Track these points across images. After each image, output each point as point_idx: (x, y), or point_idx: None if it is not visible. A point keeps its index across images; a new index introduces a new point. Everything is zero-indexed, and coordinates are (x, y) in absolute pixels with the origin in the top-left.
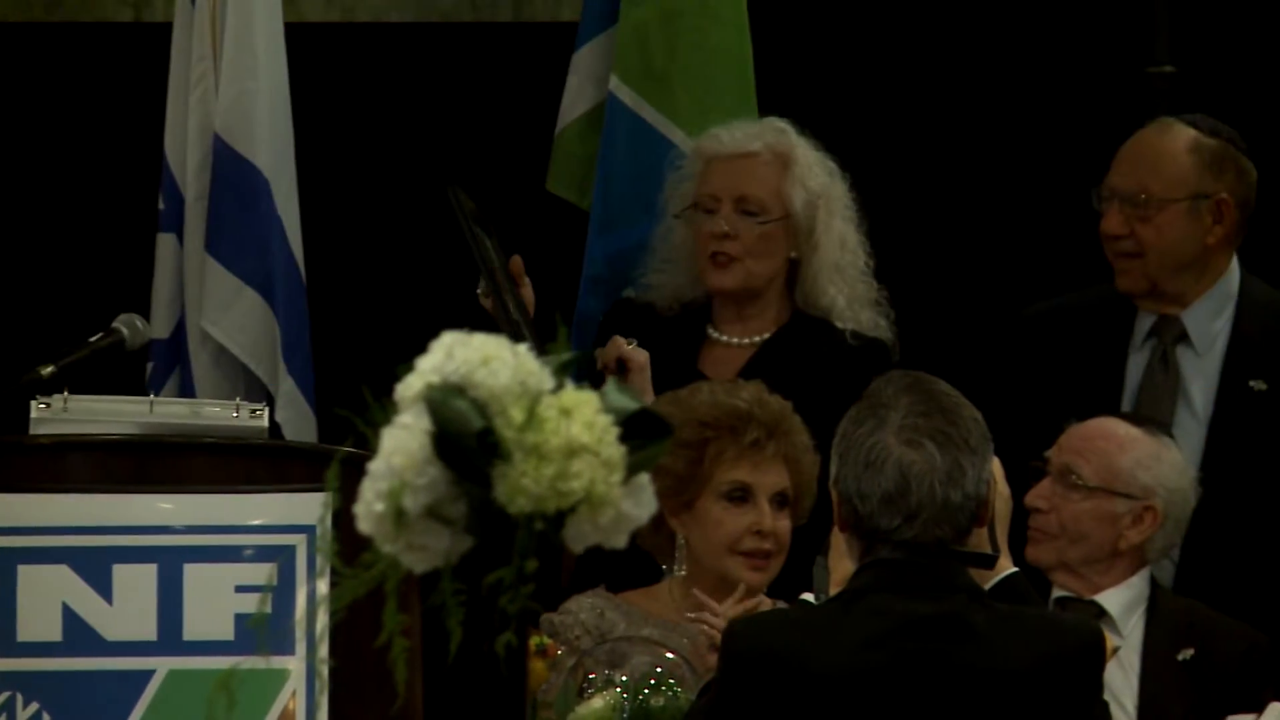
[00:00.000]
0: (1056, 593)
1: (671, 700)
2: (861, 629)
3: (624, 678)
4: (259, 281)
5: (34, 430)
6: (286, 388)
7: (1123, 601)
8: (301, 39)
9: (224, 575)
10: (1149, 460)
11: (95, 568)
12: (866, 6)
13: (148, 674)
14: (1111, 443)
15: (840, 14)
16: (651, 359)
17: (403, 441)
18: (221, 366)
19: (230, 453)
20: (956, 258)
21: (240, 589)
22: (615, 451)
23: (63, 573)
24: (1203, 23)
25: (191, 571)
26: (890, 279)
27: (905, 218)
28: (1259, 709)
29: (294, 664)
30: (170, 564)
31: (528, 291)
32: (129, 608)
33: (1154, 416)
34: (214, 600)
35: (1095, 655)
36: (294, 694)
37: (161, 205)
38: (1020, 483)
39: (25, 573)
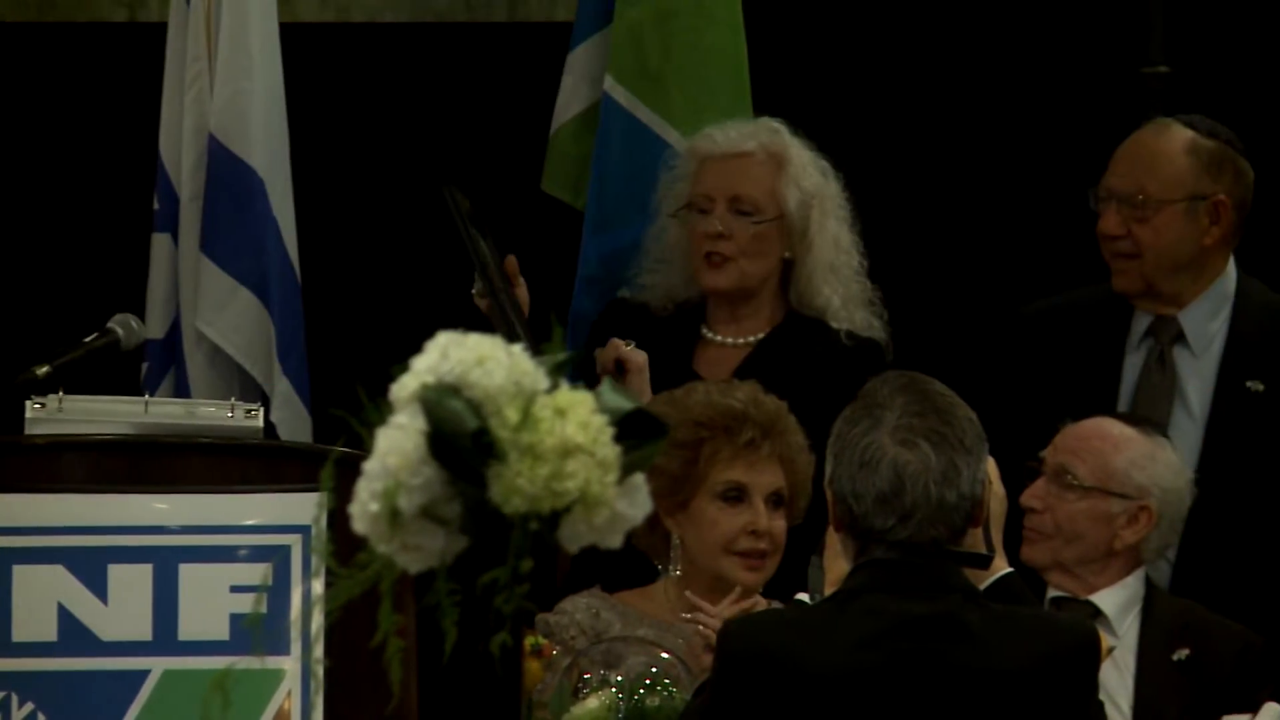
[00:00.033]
0: (1051, 593)
1: (667, 700)
2: (856, 629)
3: (619, 678)
4: (254, 281)
5: (29, 430)
6: (281, 388)
7: (1118, 601)
8: (296, 39)
9: (219, 575)
10: (1144, 460)
11: (90, 568)
12: (861, 6)
13: (143, 674)
14: (1107, 443)
15: (835, 14)
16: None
17: (398, 441)
18: (216, 366)
19: (225, 453)
20: (951, 257)
21: (235, 589)
22: (610, 451)
23: (58, 573)
24: (1197, 23)
25: (187, 571)
26: (885, 279)
27: (901, 218)
28: (1254, 709)
29: (289, 664)
30: (165, 564)
31: (522, 291)
32: (124, 608)
33: (1150, 417)
34: (209, 600)
35: (1090, 655)
36: (289, 694)
37: (156, 205)
38: (1015, 483)
39: (20, 573)
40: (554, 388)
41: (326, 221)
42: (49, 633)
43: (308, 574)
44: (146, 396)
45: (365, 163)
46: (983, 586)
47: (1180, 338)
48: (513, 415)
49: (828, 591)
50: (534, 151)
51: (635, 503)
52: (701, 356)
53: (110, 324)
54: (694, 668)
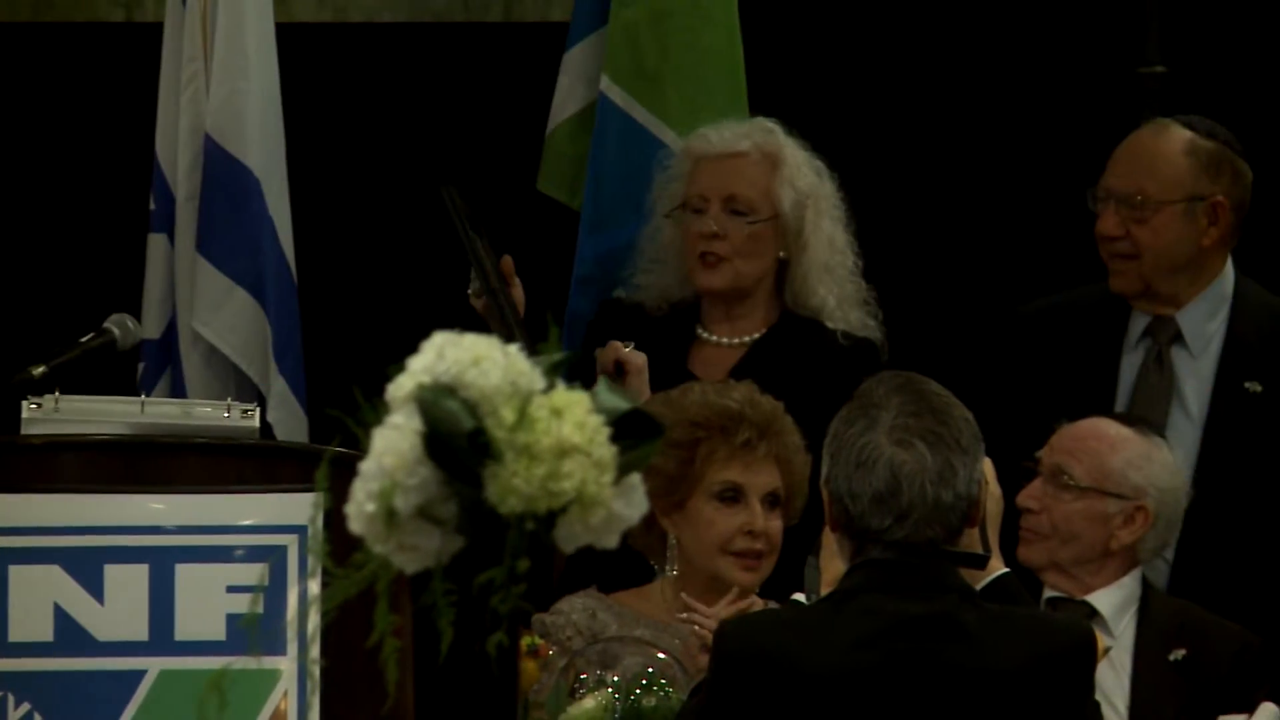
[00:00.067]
0: (1048, 593)
1: (663, 701)
2: (853, 629)
3: (615, 678)
4: (250, 282)
5: (25, 430)
6: (278, 388)
7: (1114, 602)
8: (293, 39)
9: (215, 575)
10: (1140, 460)
11: (87, 568)
12: (858, 7)
13: (139, 674)
14: (1103, 443)
15: (831, 14)
16: None
17: (394, 442)
18: (213, 367)
19: (221, 453)
20: (948, 257)
21: (232, 589)
22: (606, 452)
23: (54, 573)
24: (1194, 23)
25: (183, 571)
26: (882, 279)
27: (898, 217)
28: (1250, 709)
29: (285, 664)
30: (162, 564)
31: (518, 292)
32: (120, 608)
33: (1147, 417)
34: (205, 600)
35: (1086, 655)
36: (285, 694)
37: (152, 205)
38: (1012, 483)
39: (16, 573)
40: (550, 388)
41: (322, 222)
42: (45, 633)
43: (304, 574)
44: (143, 397)
45: (361, 163)
46: (979, 587)
47: (1178, 338)
48: (509, 415)
49: (824, 592)
50: (530, 151)
51: (631, 503)
52: (697, 356)
53: (106, 324)
54: (690, 668)
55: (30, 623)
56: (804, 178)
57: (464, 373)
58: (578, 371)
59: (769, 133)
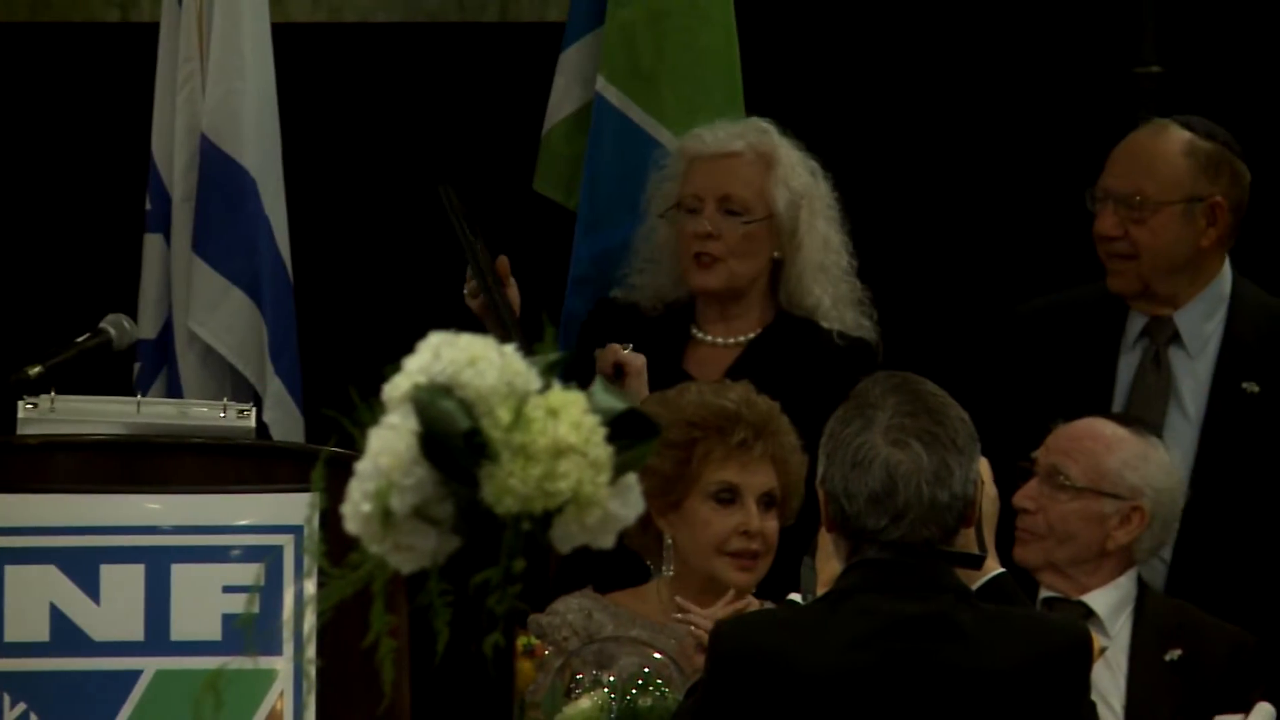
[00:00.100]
0: (1044, 593)
1: (659, 701)
2: (849, 629)
3: (611, 678)
4: (246, 282)
5: (21, 430)
6: (274, 388)
7: (1110, 602)
8: (288, 39)
9: (211, 575)
10: (1136, 461)
11: (83, 568)
12: (854, 6)
13: (135, 674)
14: (1099, 443)
15: (828, 14)
16: None
17: (390, 442)
18: (209, 367)
19: (217, 453)
20: (944, 257)
21: (228, 589)
22: (602, 452)
23: (50, 573)
24: (1190, 23)
25: (179, 572)
26: (879, 279)
27: (895, 217)
28: (1246, 709)
29: (281, 664)
30: (158, 564)
31: (513, 292)
32: (116, 608)
33: (1143, 417)
34: (201, 600)
35: (1082, 655)
36: (281, 694)
37: (148, 205)
38: (1008, 483)
39: (12, 573)
40: (546, 388)
41: (318, 221)
42: (41, 633)
43: (300, 574)
44: (139, 397)
45: (357, 163)
46: (975, 587)
47: (1176, 338)
48: (505, 415)
49: (820, 592)
50: (526, 152)
51: (627, 503)
52: (692, 357)
53: (102, 324)
54: (686, 668)
55: (26, 623)
56: (798, 178)
57: (460, 373)
58: (573, 371)
59: (763, 133)
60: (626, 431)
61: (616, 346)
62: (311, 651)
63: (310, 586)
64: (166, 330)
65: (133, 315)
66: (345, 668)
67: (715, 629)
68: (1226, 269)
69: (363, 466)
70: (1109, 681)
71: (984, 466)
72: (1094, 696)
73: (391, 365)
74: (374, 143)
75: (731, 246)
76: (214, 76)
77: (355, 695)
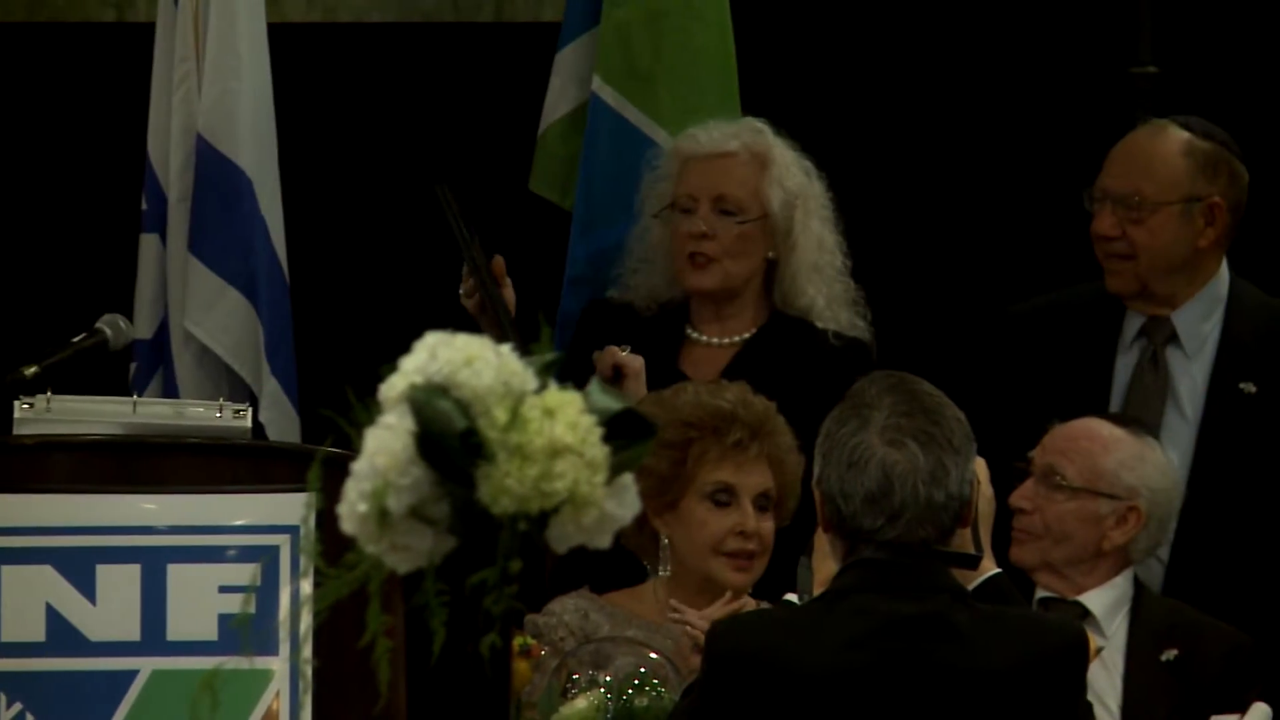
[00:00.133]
0: (1040, 593)
1: (655, 701)
2: (845, 629)
3: (608, 678)
4: (242, 282)
5: (17, 430)
6: (270, 388)
7: (1106, 602)
8: (284, 39)
9: (207, 575)
10: (1133, 461)
11: (79, 568)
12: (850, 7)
13: (131, 674)
14: (1095, 443)
15: (824, 14)
16: None
17: (386, 442)
18: (205, 367)
19: (214, 453)
20: (940, 257)
21: (224, 589)
22: (599, 452)
23: (46, 573)
24: (1186, 23)
25: (175, 572)
26: (875, 279)
27: (891, 217)
28: (1242, 710)
29: (277, 664)
30: (154, 564)
31: (509, 292)
32: (112, 608)
33: (1140, 418)
34: (197, 600)
35: (1078, 655)
36: (277, 694)
37: (144, 205)
38: (1004, 483)
39: (8, 573)
40: (542, 388)
41: (314, 221)
42: (37, 633)
43: (296, 574)
44: (135, 397)
45: (353, 163)
46: (971, 587)
47: (1173, 338)
48: (501, 415)
49: (816, 592)
50: (522, 152)
51: (624, 503)
52: (688, 357)
53: (98, 324)
54: (682, 668)
55: (22, 623)
56: (793, 178)
57: (456, 373)
58: (567, 372)
59: (758, 133)
60: (623, 431)
61: (615, 349)
62: (308, 652)
63: (306, 586)
64: (162, 330)
65: (129, 315)
66: (341, 668)
67: (711, 629)
68: (1224, 269)
69: (359, 466)
70: (1105, 682)
71: (980, 466)
72: (1090, 697)
73: (388, 365)
74: (370, 143)
75: (726, 246)
76: (210, 76)
77: (351, 695)
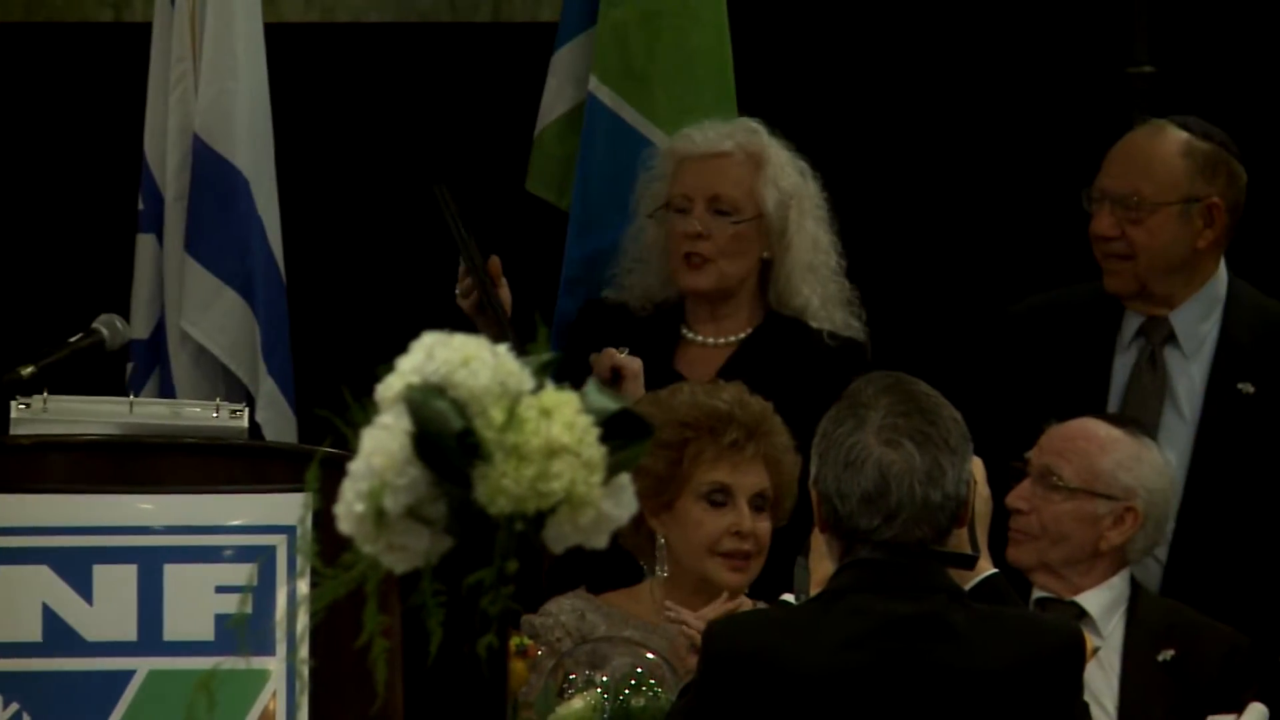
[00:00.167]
0: (1037, 593)
1: (652, 701)
2: (842, 629)
3: (604, 678)
4: (239, 282)
5: (13, 430)
6: (267, 388)
7: (1103, 602)
8: (281, 39)
9: (204, 575)
10: (1130, 461)
11: (75, 568)
12: (847, 7)
13: (128, 674)
14: (1092, 444)
15: (821, 14)
16: None
17: (383, 442)
18: (201, 367)
19: (210, 453)
20: (937, 257)
21: (221, 589)
22: (596, 452)
23: (42, 573)
24: (1182, 23)
25: (172, 572)
26: (872, 279)
27: (889, 217)
28: (1239, 710)
29: (274, 664)
30: (150, 564)
31: (505, 292)
32: (109, 608)
33: (1138, 418)
34: (194, 600)
35: (1075, 656)
36: (274, 694)
37: (141, 205)
38: (1001, 483)
39: (5, 573)
40: (539, 388)
41: (311, 222)
42: (34, 633)
43: (293, 574)
44: (131, 397)
45: (350, 163)
46: (968, 587)
47: (1171, 339)
48: (498, 416)
49: (813, 592)
50: (518, 152)
51: (621, 503)
52: (683, 357)
53: (95, 324)
54: (679, 668)
55: (19, 623)
56: (788, 178)
57: (453, 373)
58: (563, 372)
59: (752, 133)
60: (619, 432)
61: (613, 351)
62: (304, 652)
63: (303, 587)
64: (159, 330)
65: (125, 315)
66: (338, 668)
67: (708, 629)
68: (1222, 270)
69: (356, 466)
70: (1102, 682)
71: (977, 466)
72: (1087, 697)
73: (384, 365)
74: (367, 143)
75: (721, 246)
76: (207, 76)
77: (348, 696)
